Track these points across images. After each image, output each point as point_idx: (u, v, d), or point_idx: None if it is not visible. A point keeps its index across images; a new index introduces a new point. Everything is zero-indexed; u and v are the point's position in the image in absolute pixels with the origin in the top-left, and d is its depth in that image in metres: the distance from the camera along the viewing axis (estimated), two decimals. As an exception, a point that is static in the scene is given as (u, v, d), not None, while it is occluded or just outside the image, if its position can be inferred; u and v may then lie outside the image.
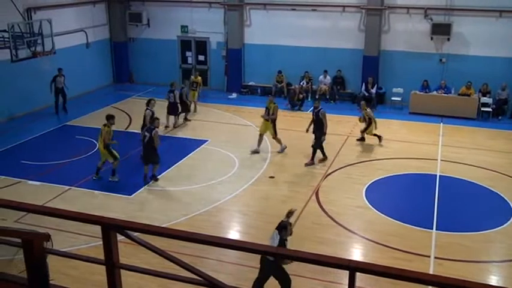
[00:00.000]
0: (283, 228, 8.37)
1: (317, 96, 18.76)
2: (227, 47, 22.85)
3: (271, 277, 8.26)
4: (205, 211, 11.80)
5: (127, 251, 7.44)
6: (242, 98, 22.11)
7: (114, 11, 23.83)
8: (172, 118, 17.76)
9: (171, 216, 11.48)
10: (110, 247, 3.69)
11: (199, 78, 20.10)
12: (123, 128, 17.71)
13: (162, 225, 10.66)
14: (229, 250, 9.28)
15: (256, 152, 15.27)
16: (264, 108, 15.43)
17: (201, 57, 23.83)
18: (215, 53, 23.42)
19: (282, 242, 8.21)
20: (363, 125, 16.45)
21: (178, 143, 16.54)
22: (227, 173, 13.92)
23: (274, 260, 7.92)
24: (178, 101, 17.61)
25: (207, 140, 16.40)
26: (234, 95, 22.54)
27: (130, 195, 12.62)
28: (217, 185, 13.25)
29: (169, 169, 14.17)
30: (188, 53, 23.94)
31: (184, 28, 23.46)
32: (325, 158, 14.76)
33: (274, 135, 15.35)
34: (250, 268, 9.27)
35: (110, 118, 13.17)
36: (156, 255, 3.72)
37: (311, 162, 14.48)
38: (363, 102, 16.86)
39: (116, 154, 13.21)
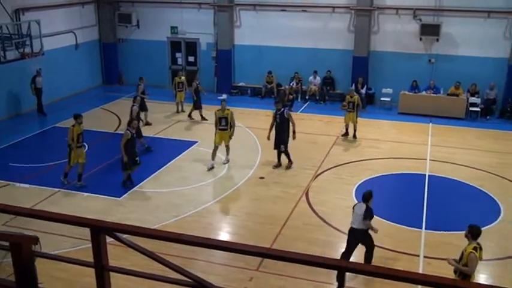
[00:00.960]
0: (371, 197, 9.38)
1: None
2: (217, 47, 22.83)
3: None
4: (196, 212, 11.78)
5: (116, 253, 7.39)
6: (232, 99, 22.06)
7: (103, 12, 23.72)
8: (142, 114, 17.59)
9: (161, 217, 11.44)
10: (99, 249, 3.67)
11: (183, 78, 20.05)
12: (113, 130, 17.65)
13: (152, 227, 10.62)
14: (219, 251, 9.28)
15: (212, 167, 14.10)
16: (219, 118, 14.21)
17: (191, 58, 23.79)
18: (205, 54, 23.39)
19: (369, 210, 9.22)
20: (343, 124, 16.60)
21: (167, 144, 16.49)
22: (217, 174, 13.91)
23: (364, 229, 9.14)
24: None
25: (196, 142, 16.38)
26: (224, 96, 22.47)
27: (119, 197, 12.56)
28: (208, 186, 13.24)
29: (159, 170, 14.13)
30: (178, 54, 23.89)
31: (174, 29, 23.41)
32: (279, 165, 14.38)
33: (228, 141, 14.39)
34: (239, 269, 9.29)
35: (76, 117, 12.79)
36: (145, 257, 3.70)
37: (290, 165, 14.31)
38: (351, 88, 17.13)
39: (73, 160, 12.73)
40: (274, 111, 14.29)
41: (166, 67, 23.95)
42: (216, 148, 14.19)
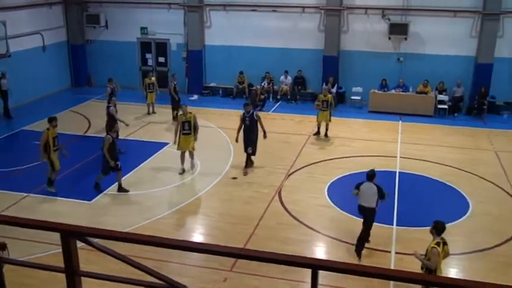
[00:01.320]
0: (375, 176, 10.09)
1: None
2: (187, 48, 22.72)
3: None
4: (168, 214, 11.70)
5: (88, 258, 7.28)
6: (203, 100, 22.02)
7: (71, 13, 23.35)
8: None
9: (133, 220, 11.32)
10: (69, 254, 3.60)
11: (154, 79, 19.90)
12: (82, 132, 17.39)
13: (124, 230, 10.51)
14: (193, 253, 9.24)
15: (183, 171, 13.83)
16: (182, 123, 13.71)
17: (161, 59, 23.62)
18: (175, 54, 23.25)
19: (379, 188, 9.98)
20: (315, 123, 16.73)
21: (138, 146, 16.32)
22: (189, 175, 13.84)
23: (374, 207, 9.92)
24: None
25: (167, 143, 16.25)
26: (195, 97, 22.42)
27: (90, 200, 12.37)
28: (180, 187, 13.17)
29: (130, 173, 13.98)
30: (148, 55, 23.69)
31: (143, 30, 23.21)
32: (251, 164, 14.29)
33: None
34: (213, 270, 9.26)
35: (51, 120, 12.45)
36: (118, 261, 3.66)
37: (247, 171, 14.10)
38: (325, 87, 17.29)
39: (56, 163, 12.41)
40: (243, 113, 14.09)
41: (136, 68, 23.72)
42: (182, 153, 13.88)
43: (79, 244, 3.57)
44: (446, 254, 7.62)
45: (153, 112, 19.62)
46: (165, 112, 19.54)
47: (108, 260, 4.16)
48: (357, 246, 9.97)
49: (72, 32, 23.60)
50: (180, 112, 13.94)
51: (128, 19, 23.10)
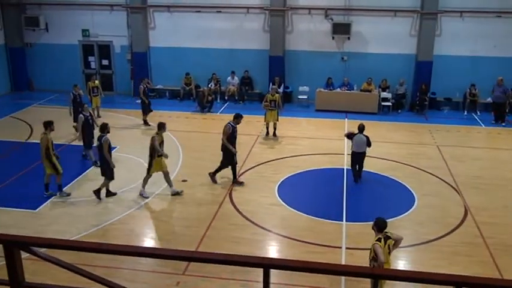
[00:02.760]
0: (363, 127, 13.39)
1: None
2: (132, 50, 22.36)
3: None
4: (117, 220, 11.45)
5: (36, 269, 7.06)
6: (150, 102, 21.70)
7: (8, 15, 22.53)
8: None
9: (81, 228, 11.02)
10: (13, 266, 3.47)
11: (97, 82, 19.48)
12: (24, 139, 16.79)
13: (72, 238, 10.23)
14: (145, 258, 9.09)
15: (176, 193, 12.69)
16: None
17: (105, 62, 23.15)
18: (119, 56, 22.84)
19: (367, 138, 13.26)
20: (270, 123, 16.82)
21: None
22: (139, 180, 13.57)
23: (364, 152, 13.34)
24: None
25: (115, 147, 15.90)
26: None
27: (35, 209, 11.95)
28: (129, 192, 12.90)
29: (77, 179, 13.62)
30: (91, 58, 23.16)
31: (85, 32, 22.67)
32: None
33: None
34: (166, 274, 9.16)
35: (49, 124, 12.07)
36: (67, 270, 3.56)
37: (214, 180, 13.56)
38: (273, 87, 17.45)
39: (59, 167, 12.20)
40: (232, 125, 13.30)
41: (79, 71, 23.14)
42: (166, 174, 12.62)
43: (24, 255, 3.44)
44: (391, 248, 7.78)
45: (98, 116, 19.18)
46: (111, 116, 19.16)
47: (56, 269, 4.04)
48: (359, 174, 13.46)
49: (10, 35, 22.79)
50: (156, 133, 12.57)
51: (68, 21, 22.50)
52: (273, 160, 15.14)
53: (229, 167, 13.31)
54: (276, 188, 13.15)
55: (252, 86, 22.14)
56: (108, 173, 12.29)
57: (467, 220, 11.54)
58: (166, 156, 12.51)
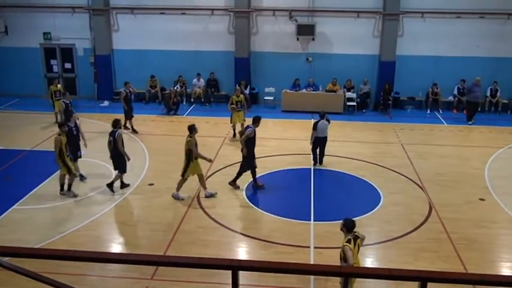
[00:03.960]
0: (325, 113, 14.59)
1: (192, 100, 16.72)
2: (95, 53, 22.02)
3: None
4: (83, 226, 11.24)
5: (-3, 278, 6.87)
6: (115, 106, 21.40)
7: (-36, 19, 21.88)
8: None
9: (46, 235, 10.76)
10: (-26, 276, 3.37)
11: (60, 86, 19.09)
12: (-16, 145, 16.34)
13: (36, 246, 9.99)
14: (112, 264, 8.95)
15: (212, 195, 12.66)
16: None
17: (68, 65, 22.71)
18: (82, 60, 22.46)
19: (329, 121, 14.64)
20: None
21: (48, 157, 15.53)
22: (103, 184, 13.37)
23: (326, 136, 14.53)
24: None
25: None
26: (106, 103, 21.78)
27: (-4, 217, 11.62)
28: (95, 197, 12.69)
29: (40, 185, 13.31)
30: (53, 61, 22.69)
31: (47, 35, 22.21)
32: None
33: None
34: (134, 279, 9.04)
35: (63, 126, 12.25)
36: (31, 279, 3.46)
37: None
38: (238, 88, 17.46)
39: (71, 167, 12.35)
40: (252, 129, 12.95)
41: (41, 75, 22.65)
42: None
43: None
44: (360, 246, 7.86)
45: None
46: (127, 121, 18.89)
47: (20, 279, 3.93)
48: (321, 158, 14.62)
49: (-32, 39, 22.13)
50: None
51: (29, 24, 22.00)
52: (240, 161, 15.09)
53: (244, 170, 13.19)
54: (244, 189, 13.14)
55: (218, 88, 22.08)
56: (121, 166, 12.70)
57: (431, 216, 11.79)
58: (210, 160, 12.66)
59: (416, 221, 11.56)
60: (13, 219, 11.59)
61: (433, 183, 13.69)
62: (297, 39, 21.08)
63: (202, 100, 21.67)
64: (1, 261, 3.42)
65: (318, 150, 14.63)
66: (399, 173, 14.33)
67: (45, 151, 15.95)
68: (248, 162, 13.04)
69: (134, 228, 11.40)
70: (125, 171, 12.87)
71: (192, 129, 12.37)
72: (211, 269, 2.95)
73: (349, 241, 7.60)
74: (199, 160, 12.40)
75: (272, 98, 21.39)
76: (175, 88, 21.07)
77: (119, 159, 12.64)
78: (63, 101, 16.56)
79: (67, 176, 12.59)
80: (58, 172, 13.79)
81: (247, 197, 12.74)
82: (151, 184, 13.45)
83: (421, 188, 13.40)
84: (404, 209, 12.22)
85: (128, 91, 17.98)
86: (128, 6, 21.52)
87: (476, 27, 20.44)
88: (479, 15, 20.27)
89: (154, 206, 12.30)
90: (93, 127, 18.48)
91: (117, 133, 12.48)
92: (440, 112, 20.84)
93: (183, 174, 12.35)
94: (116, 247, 10.75)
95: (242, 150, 12.94)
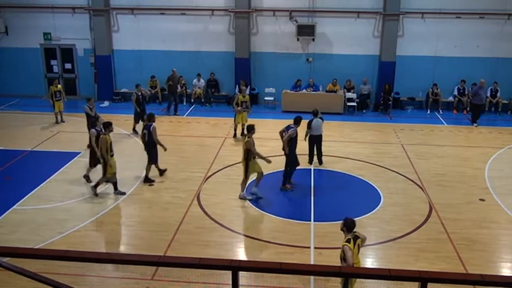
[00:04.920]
0: (318, 111, 14.54)
1: (192, 100, 17.29)
2: (95, 53, 22.02)
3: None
4: (83, 226, 11.24)
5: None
6: (115, 106, 21.45)
7: (-36, 19, 21.88)
8: None
9: (46, 235, 10.76)
10: (-27, 277, 3.37)
11: (60, 86, 19.08)
12: (-16, 146, 16.35)
13: (36, 247, 10.00)
14: (112, 264, 8.95)
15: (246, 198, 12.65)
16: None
17: (68, 65, 22.72)
18: (82, 60, 22.46)
19: (322, 119, 14.52)
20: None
21: (48, 157, 15.58)
22: (104, 185, 13.38)
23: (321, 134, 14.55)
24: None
25: (79, 152, 15.67)
26: (106, 103, 21.80)
27: (-5, 217, 11.62)
28: (94, 198, 12.68)
29: (41, 185, 13.31)
30: (53, 62, 22.70)
31: (47, 35, 22.21)
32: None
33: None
34: (134, 280, 9.04)
35: (108, 126, 12.36)
36: (31, 279, 3.47)
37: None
38: (244, 88, 17.51)
39: (109, 169, 12.38)
40: (294, 128, 13.14)
41: (41, 76, 22.66)
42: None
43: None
44: (360, 246, 7.85)
45: (62, 121, 18.83)
46: (75, 120, 18.86)
47: (20, 279, 3.93)
48: (319, 158, 14.53)
49: (-32, 39, 22.14)
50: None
51: (29, 25, 22.01)
52: (241, 162, 15.09)
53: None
54: (244, 190, 13.11)
55: (218, 88, 22.09)
56: (154, 157, 13.50)
57: (432, 217, 11.78)
58: (269, 161, 12.72)
59: (417, 221, 11.55)
60: (13, 220, 11.59)
61: (433, 183, 13.69)
62: (297, 39, 21.08)
63: (203, 100, 21.67)
64: (1, 261, 3.43)
65: (315, 149, 14.66)
66: (399, 173, 14.33)
67: (45, 151, 15.98)
68: (293, 162, 13.19)
69: (134, 228, 11.40)
70: (156, 162, 13.61)
71: (250, 129, 12.46)
72: (212, 270, 2.95)
73: (348, 241, 7.59)
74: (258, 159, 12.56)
75: (272, 98, 21.40)
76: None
77: (152, 151, 13.44)
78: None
79: (91, 172, 13.02)
80: (60, 171, 13.84)
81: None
82: (151, 184, 13.45)
83: (421, 188, 13.40)
84: (405, 209, 12.22)
85: (140, 93, 17.77)
86: (128, 6, 21.53)
87: (476, 28, 20.45)
88: (479, 15, 20.28)
89: (155, 206, 12.30)
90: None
91: (151, 126, 13.28)
92: (441, 112, 20.84)
93: (245, 175, 12.40)
94: (116, 247, 10.74)
95: (284, 149, 13.14)
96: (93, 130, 13.07)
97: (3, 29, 22.05)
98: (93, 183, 12.88)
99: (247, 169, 12.37)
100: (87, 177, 13.42)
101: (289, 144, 13.02)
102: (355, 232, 7.76)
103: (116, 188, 12.78)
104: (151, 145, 13.46)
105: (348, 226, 7.78)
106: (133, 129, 17.63)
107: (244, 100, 16.79)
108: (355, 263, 7.60)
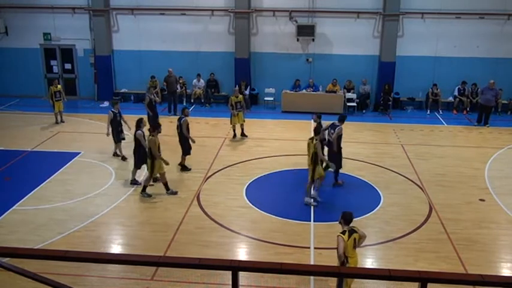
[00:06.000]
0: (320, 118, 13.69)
1: (192, 100, 17.36)
2: (95, 53, 22.02)
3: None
4: (83, 227, 11.24)
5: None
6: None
7: (-36, 19, 21.88)
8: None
9: (46, 236, 10.76)
10: (-27, 277, 3.37)
11: (60, 86, 19.05)
12: (-15, 146, 16.35)
13: (36, 247, 10.00)
14: (112, 265, 8.95)
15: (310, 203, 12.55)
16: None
17: (68, 66, 22.72)
18: (82, 60, 22.46)
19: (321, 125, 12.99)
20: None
21: (48, 157, 15.57)
22: (104, 185, 13.39)
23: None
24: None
25: (79, 152, 15.67)
26: (106, 104, 21.78)
27: (-6, 218, 11.61)
28: (94, 198, 12.69)
29: (40, 186, 13.30)
30: (53, 62, 22.70)
31: (47, 35, 22.21)
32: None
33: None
34: (134, 280, 9.04)
35: (155, 128, 12.49)
36: (31, 280, 3.47)
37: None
38: (235, 88, 17.41)
39: (157, 171, 12.47)
40: (340, 128, 13.25)
41: (41, 76, 22.66)
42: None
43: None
44: (357, 242, 7.88)
45: (62, 121, 18.82)
46: (75, 121, 18.93)
47: (20, 279, 3.93)
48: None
49: (-33, 39, 22.14)
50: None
51: (29, 25, 22.02)
52: (241, 162, 15.13)
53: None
54: (244, 190, 13.14)
55: (218, 88, 22.09)
56: (186, 149, 14.16)
57: (431, 217, 11.78)
58: (333, 168, 12.68)
59: (417, 221, 11.55)
60: (13, 220, 11.58)
61: (433, 183, 13.69)
62: (297, 39, 21.08)
63: (202, 101, 21.68)
64: (1, 261, 3.43)
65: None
66: (399, 174, 14.33)
67: (45, 151, 15.98)
68: (339, 159, 13.25)
69: (134, 228, 11.39)
70: (188, 153, 14.27)
71: (317, 131, 12.22)
72: (212, 270, 2.95)
73: (343, 232, 7.71)
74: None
75: (272, 98, 21.40)
76: (175, 88, 20.86)
77: (184, 143, 14.11)
78: (112, 111, 15.18)
79: (136, 173, 13.20)
80: (60, 171, 13.84)
81: (247, 198, 12.74)
82: (151, 185, 13.43)
83: (421, 188, 13.40)
84: (404, 209, 12.22)
85: (152, 97, 17.41)
86: (128, 6, 21.53)
87: (476, 28, 20.46)
88: (479, 15, 20.28)
89: (154, 206, 12.30)
90: (93, 128, 18.51)
91: (183, 119, 14.01)
92: (440, 113, 20.84)
93: (312, 178, 12.22)
94: (116, 248, 10.74)
95: (335, 148, 13.16)
96: (139, 132, 13.00)
97: (3, 29, 22.05)
98: (142, 191, 12.79)
99: (315, 172, 12.11)
100: (135, 181, 13.38)
101: (338, 142, 13.11)
102: (353, 227, 7.85)
103: (167, 189, 12.83)
104: (183, 137, 14.10)
105: (345, 219, 7.93)
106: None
107: (237, 101, 16.76)
108: (351, 258, 7.66)
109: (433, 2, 20.43)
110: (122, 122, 15.27)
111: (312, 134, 12.70)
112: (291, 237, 10.80)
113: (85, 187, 13.24)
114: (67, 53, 22.53)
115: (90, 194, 12.86)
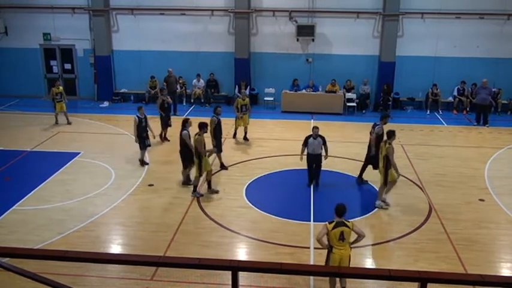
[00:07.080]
0: (317, 130, 13.16)
1: (192, 100, 17.28)
2: (95, 54, 22.02)
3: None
4: (82, 227, 11.23)
5: (-4, 279, 6.86)
6: (115, 106, 21.45)
7: (-36, 19, 21.88)
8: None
9: (45, 236, 10.76)
10: (-27, 277, 3.37)
11: (61, 88, 18.99)
12: (-16, 146, 16.34)
13: (35, 247, 10.00)
14: (112, 265, 8.94)
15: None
16: None
17: (68, 66, 22.71)
18: (82, 60, 22.46)
19: (324, 140, 13.11)
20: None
21: (47, 157, 15.56)
22: (103, 185, 13.39)
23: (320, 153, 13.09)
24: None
25: (79, 152, 15.67)
26: (106, 104, 21.80)
27: (-6, 218, 11.60)
28: (94, 198, 12.68)
29: (40, 186, 13.30)
30: (53, 62, 22.69)
31: (46, 35, 22.21)
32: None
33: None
34: (134, 280, 9.04)
35: (202, 127, 12.45)
36: (30, 280, 3.46)
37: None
38: (243, 91, 17.46)
39: (203, 170, 12.50)
40: (380, 127, 13.33)
41: (41, 76, 22.66)
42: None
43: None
44: (345, 236, 7.96)
45: (68, 123, 18.58)
46: (75, 121, 18.93)
47: (20, 279, 3.93)
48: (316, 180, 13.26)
49: (-33, 39, 22.14)
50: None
51: (29, 25, 22.01)
52: (241, 162, 15.13)
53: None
54: (244, 190, 13.14)
55: (218, 88, 22.09)
56: (218, 146, 14.29)
57: (431, 217, 11.78)
58: (397, 173, 12.12)
59: (416, 221, 11.55)
60: (13, 220, 11.58)
61: (432, 183, 13.69)
62: (297, 39, 21.08)
63: (202, 101, 21.68)
64: (1, 261, 3.42)
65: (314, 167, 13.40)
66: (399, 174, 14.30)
67: (45, 151, 15.98)
68: (376, 160, 13.02)
69: (134, 229, 11.38)
70: (220, 151, 14.52)
71: (391, 135, 11.97)
72: (211, 270, 2.94)
73: (331, 222, 7.85)
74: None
75: (272, 98, 21.40)
76: (175, 89, 20.83)
77: (218, 141, 14.28)
78: (138, 116, 14.74)
79: (191, 175, 13.14)
80: (60, 171, 13.82)
81: (247, 198, 12.73)
82: (151, 185, 13.45)
83: (420, 188, 13.40)
84: (404, 209, 12.21)
85: (164, 99, 17.11)
86: (128, 7, 21.53)
87: (476, 28, 20.46)
88: (479, 15, 20.29)
89: (154, 206, 12.30)
90: (93, 128, 18.51)
91: (212, 118, 14.16)
92: (440, 113, 20.84)
93: (385, 183, 12.08)
94: (116, 248, 10.73)
95: (370, 149, 13.30)
96: (185, 132, 13.02)
97: (3, 29, 22.05)
98: (193, 191, 12.82)
99: (387, 177, 11.97)
100: (187, 182, 13.36)
101: (376, 142, 12.97)
102: (346, 221, 7.98)
103: (209, 187, 12.89)
104: (215, 135, 14.18)
105: (337, 210, 8.15)
106: (164, 137, 16.90)
107: (244, 103, 16.75)
108: (337, 249, 7.91)
109: (433, 2, 20.44)
110: (148, 127, 14.92)
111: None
112: (291, 237, 10.80)
113: (85, 187, 13.23)
114: (67, 53, 22.53)
115: (89, 194, 12.86)
